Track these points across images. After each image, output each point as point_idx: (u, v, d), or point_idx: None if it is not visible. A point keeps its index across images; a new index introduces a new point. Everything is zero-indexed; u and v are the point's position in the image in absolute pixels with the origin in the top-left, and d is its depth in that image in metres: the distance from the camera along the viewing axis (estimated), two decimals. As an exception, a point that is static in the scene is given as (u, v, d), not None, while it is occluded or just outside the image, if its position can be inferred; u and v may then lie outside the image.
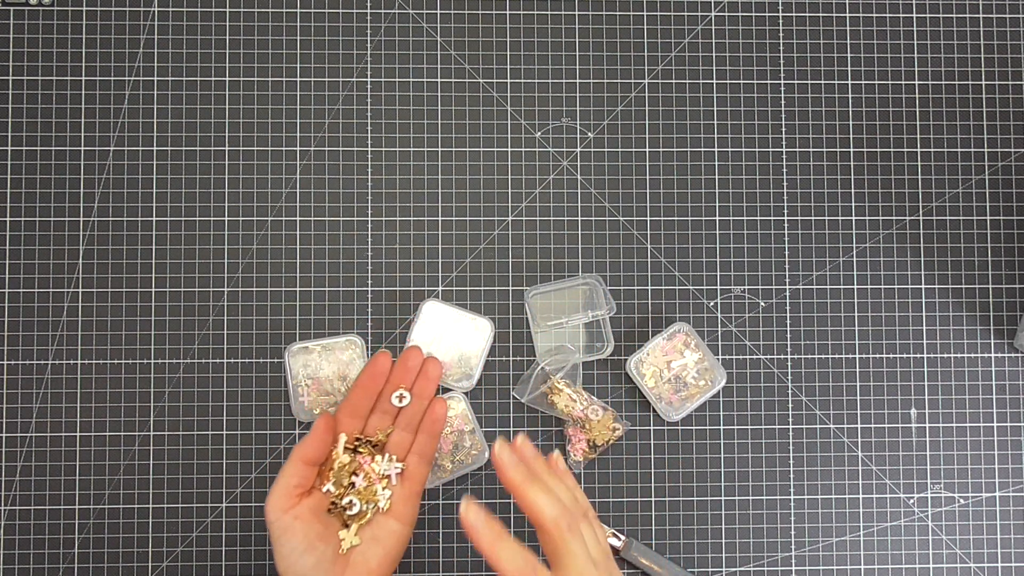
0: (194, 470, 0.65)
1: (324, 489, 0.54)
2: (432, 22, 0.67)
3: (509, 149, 0.67)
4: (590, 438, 0.63)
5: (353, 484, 0.54)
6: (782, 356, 0.66)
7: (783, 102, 0.67)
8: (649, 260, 0.66)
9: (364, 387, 0.57)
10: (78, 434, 0.65)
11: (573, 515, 0.48)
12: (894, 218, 0.67)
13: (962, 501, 0.65)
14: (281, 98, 0.67)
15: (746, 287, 0.66)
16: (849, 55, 0.68)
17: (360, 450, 0.55)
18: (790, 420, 0.66)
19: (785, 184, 0.67)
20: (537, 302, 0.65)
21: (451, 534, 0.65)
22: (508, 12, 0.67)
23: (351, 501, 0.53)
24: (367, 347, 0.65)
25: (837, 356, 0.66)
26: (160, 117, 0.66)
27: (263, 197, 0.66)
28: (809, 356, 0.66)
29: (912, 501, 0.65)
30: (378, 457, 0.55)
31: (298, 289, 0.66)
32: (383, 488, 0.54)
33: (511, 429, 0.65)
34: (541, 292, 0.65)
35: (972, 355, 0.66)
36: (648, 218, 0.67)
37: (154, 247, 0.66)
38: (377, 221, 0.66)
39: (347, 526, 0.53)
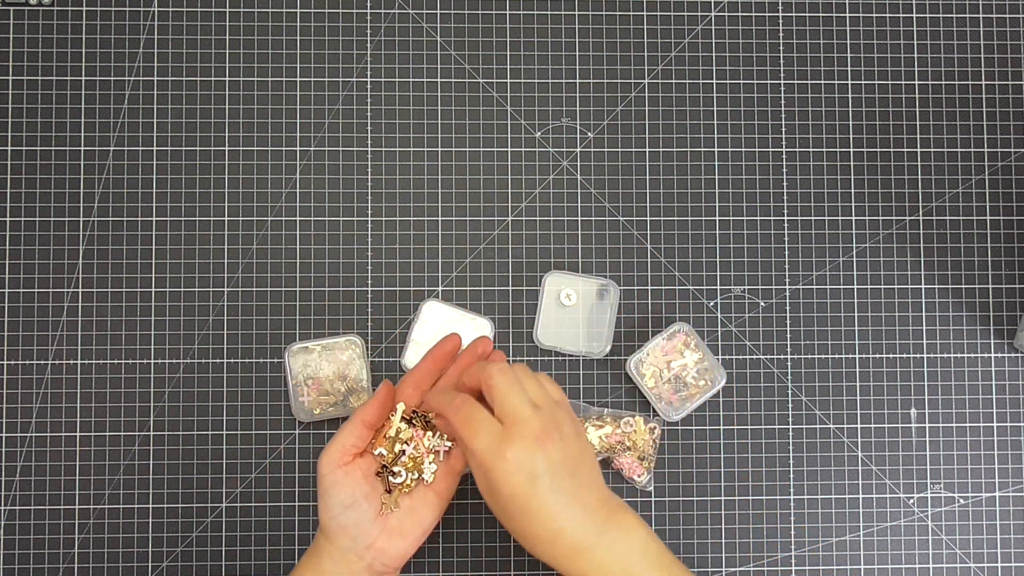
0: (194, 470, 0.65)
1: (376, 452, 0.56)
2: (432, 22, 0.67)
3: (509, 149, 0.67)
4: (638, 455, 0.63)
5: (404, 452, 0.56)
6: (782, 356, 0.66)
7: (783, 102, 0.67)
8: (649, 260, 0.66)
9: (432, 363, 0.59)
10: (78, 434, 0.65)
11: (509, 367, 0.53)
12: (894, 218, 0.67)
13: (962, 501, 0.65)
14: (281, 98, 0.67)
15: (746, 287, 0.66)
16: (849, 55, 0.68)
17: (414, 423, 0.57)
18: (790, 420, 0.66)
19: (785, 184, 0.67)
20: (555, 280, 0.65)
21: (451, 534, 0.65)
22: (508, 12, 0.67)
23: (398, 470, 0.56)
24: (367, 347, 0.65)
25: (837, 356, 0.66)
26: (160, 117, 0.66)
27: (263, 197, 0.66)
28: (809, 356, 0.66)
29: (912, 501, 0.65)
30: (429, 432, 0.57)
31: (298, 289, 0.66)
32: (430, 462, 0.57)
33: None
34: (561, 276, 0.65)
35: (972, 355, 0.66)
36: (648, 218, 0.67)
37: (154, 247, 0.66)
38: (377, 221, 0.66)
39: (389, 491, 0.56)
